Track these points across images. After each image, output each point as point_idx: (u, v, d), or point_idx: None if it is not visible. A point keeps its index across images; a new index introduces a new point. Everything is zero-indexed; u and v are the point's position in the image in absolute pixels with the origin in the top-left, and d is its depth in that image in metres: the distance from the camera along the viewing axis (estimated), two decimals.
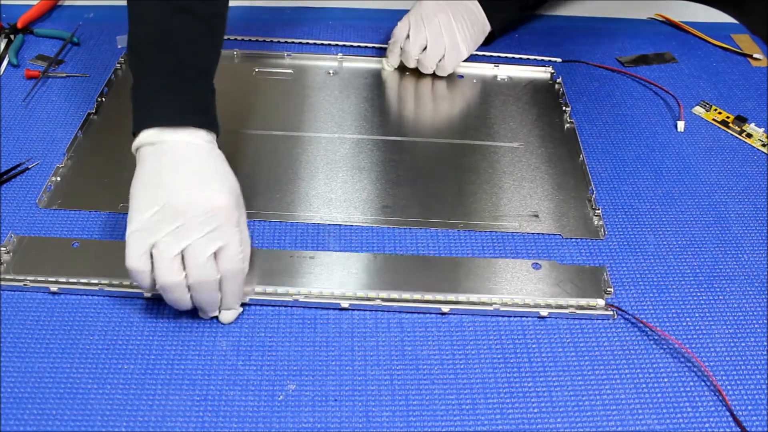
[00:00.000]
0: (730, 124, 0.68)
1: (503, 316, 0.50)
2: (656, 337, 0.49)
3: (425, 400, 0.45)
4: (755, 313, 0.51)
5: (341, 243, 0.54)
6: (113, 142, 0.62)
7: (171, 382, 0.45)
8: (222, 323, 0.48)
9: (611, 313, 0.50)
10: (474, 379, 0.46)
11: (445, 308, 0.49)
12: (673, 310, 0.51)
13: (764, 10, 0.72)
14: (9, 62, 0.71)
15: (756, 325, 0.50)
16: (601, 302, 0.50)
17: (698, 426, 0.44)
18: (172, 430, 0.43)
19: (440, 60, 0.69)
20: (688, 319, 0.50)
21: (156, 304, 0.49)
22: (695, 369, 0.47)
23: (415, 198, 0.58)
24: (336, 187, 0.59)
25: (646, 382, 0.47)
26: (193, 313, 0.49)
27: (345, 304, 0.49)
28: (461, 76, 0.73)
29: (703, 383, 0.47)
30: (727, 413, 0.45)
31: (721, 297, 0.52)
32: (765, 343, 0.49)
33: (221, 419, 0.44)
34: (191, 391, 0.45)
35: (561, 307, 0.50)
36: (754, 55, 0.77)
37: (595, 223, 0.57)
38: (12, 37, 0.73)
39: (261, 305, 0.50)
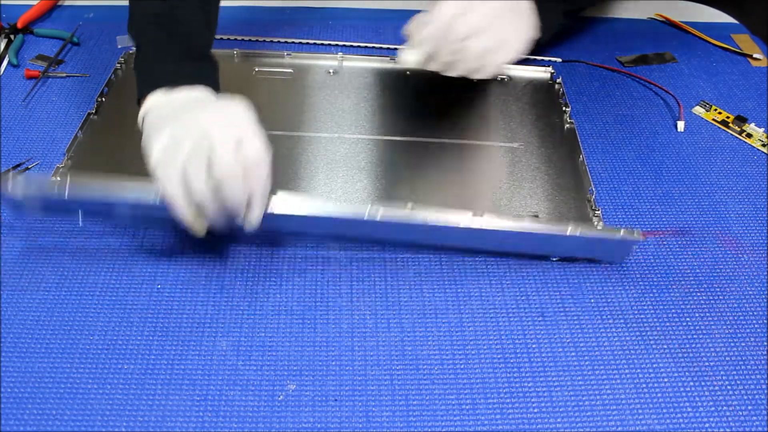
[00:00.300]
0: (730, 124, 0.68)
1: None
2: (656, 336, 0.49)
3: (425, 400, 0.45)
4: (755, 313, 0.51)
5: (342, 242, 0.54)
6: (113, 142, 0.62)
7: (171, 382, 0.45)
8: (247, 231, 0.48)
9: (638, 235, 0.50)
10: (474, 379, 0.46)
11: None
12: (673, 310, 0.51)
13: (764, 10, 0.72)
14: (9, 62, 0.71)
15: (756, 325, 0.50)
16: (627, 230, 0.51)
17: (698, 426, 0.44)
18: (172, 430, 0.43)
19: (485, 55, 0.57)
20: (688, 319, 0.50)
21: (156, 301, 0.49)
22: (695, 369, 0.47)
23: (415, 198, 0.58)
24: (336, 187, 0.59)
25: (646, 382, 0.47)
26: (193, 312, 0.49)
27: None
28: None
29: (703, 383, 0.47)
30: (728, 413, 0.45)
31: (721, 297, 0.52)
32: (765, 343, 0.49)
33: (221, 419, 0.44)
34: (191, 391, 0.45)
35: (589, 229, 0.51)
36: (754, 55, 0.77)
37: (595, 223, 0.57)
38: (12, 37, 0.73)
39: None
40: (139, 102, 0.50)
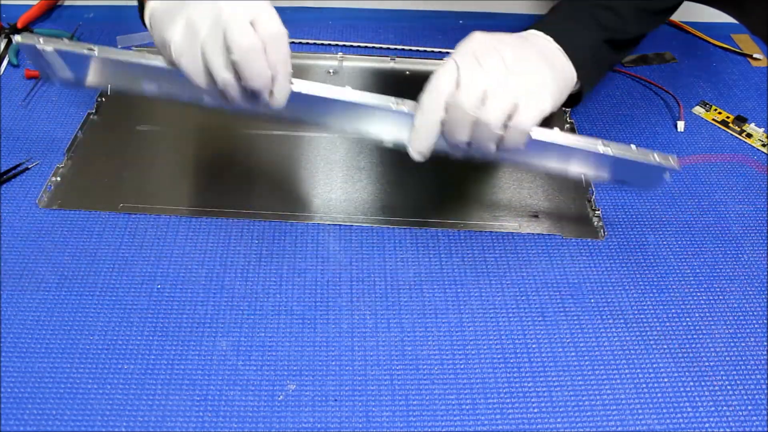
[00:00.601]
0: (730, 124, 0.68)
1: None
2: (656, 336, 0.49)
3: (425, 400, 0.45)
4: (755, 313, 0.51)
5: (342, 243, 0.54)
6: (113, 142, 0.62)
7: (171, 382, 0.45)
8: (274, 108, 0.46)
9: (674, 162, 0.48)
10: (474, 379, 0.46)
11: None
12: (673, 310, 0.51)
13: (764, 10, 0.72)
14: (9, 62, 0.71)
15: (756, 325, 0.50)
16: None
17: (698, 426, 0.44)
18: (172, 430, 0.43)
19: (510, 116, 0.44)
20: (688, 319, 0.50)
21: (156, 301, 0.49)
22: (695, 369, 0.47)
23: (415, 198, 0.58)
24: (336, 187, 0.59)
25: (646, 382, 0.47)
26: (193, 312, 0.49)
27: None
28: None
29: (703, 383, 0.47)
30: (728, 413, 0.45)
31: (721, 297, 0.52)
32: (765, 343, 0.49)
33: (221, 419, 0.44)
34: (191, 391, 0.45)
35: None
36: (754, 55, 0.77)
37: (595, 223, 0.57)
38: (12, 37, 0.73)
39: None
40: (141, 6, 0.48)
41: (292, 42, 0.75)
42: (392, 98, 0.47)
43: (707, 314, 0.51)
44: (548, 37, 0.49)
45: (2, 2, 0.79)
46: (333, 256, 0.53)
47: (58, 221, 0.55)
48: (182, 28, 0.44)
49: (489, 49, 0.45)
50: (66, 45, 0.47)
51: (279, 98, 0.46)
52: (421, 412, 0.44)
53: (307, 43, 0.76)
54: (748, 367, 0.48)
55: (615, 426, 0.44)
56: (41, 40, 0.47)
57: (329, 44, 0.76)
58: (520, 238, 0.55)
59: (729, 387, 0.46)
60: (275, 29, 0.45)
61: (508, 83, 0.44)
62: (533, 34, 0.50)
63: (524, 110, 0.44)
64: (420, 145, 0.46)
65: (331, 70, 0.72)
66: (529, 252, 0.54)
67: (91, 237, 0.54)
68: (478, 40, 0.46)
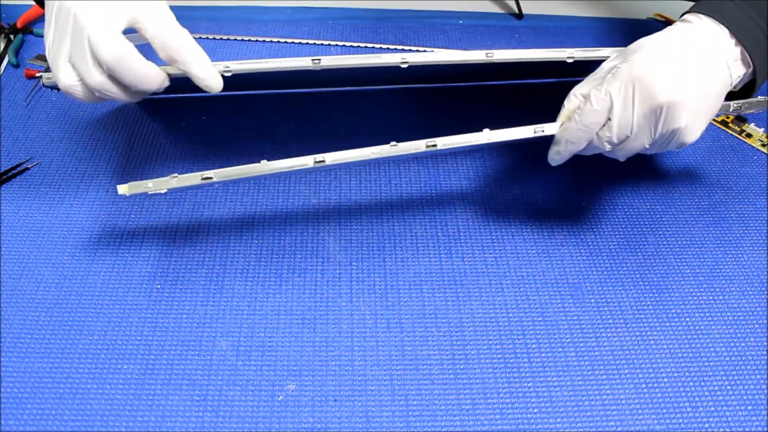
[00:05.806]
0: (730, 124, 0.68)
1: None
2: (656, 336, 0.49)
3: (425, 400, 0.45)
4: (755, 313, 0.51)
5: (341, 243, 0.54)
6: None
7: (171, 382, 0.45)
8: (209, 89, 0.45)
9: None
10: (474, 379, 0.46)
11: None
12: (673, 310, 0.51)
13: None
14: (9, 62, 0.71)
15: (756, 325, 0.50)
16: None
17: (698, 426, 0.44)
18: (172, 430, 0.43)
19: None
20: (688, 319, 0.50)
21: (156, 301, 0.49)
22: (695, 369, 0.47)
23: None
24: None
25: (646, 382, 0.47)
26: (193, 312, 0.49)
27: None
28: None
29: (703, 383, 0.47)
30: (728, 413, 0.45)
31: (721, 297, 0.52)
32: (765, 343, 0.49)
33: (221, 419, 0.44)
34: (191, 391, 0.45)
35: None
36: None
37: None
38: (12, 37, 0.73)
39: None
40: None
41: (292, 42, 0.76)
42: (531, 127, 0.47)
43: (707, 314, 0.51)
44: (715, 24, 0.46)
45: (2, 2, 0.79)
46: (333, 256, 0.54)
47: (57, 221, 0.55)
48: (52, 33, 0.43)
49: (647, 83, 0.44)
50: (178, 180, 0.45)
51: (202, 74, 0.44)
52: (421, 412, 0.44)
53: (307, 44, 0.76)
54: (748, 367, 0.48)
55: (615, 426, 0.44)
56: (150, 184, 0.45)
57: (329, 44, 0.76)
58: (520, 237, 0.55)
59: (729, 387, 0.46)
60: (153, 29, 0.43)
61: (662, 121, 0.45)
62: (697, 24, 0.47)
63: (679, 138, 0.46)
64: (559, 161, 0.49)
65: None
66: (529, 252, 0.54)
67: (91, 237, 0.54)
68: (638, 66, 0.44)
